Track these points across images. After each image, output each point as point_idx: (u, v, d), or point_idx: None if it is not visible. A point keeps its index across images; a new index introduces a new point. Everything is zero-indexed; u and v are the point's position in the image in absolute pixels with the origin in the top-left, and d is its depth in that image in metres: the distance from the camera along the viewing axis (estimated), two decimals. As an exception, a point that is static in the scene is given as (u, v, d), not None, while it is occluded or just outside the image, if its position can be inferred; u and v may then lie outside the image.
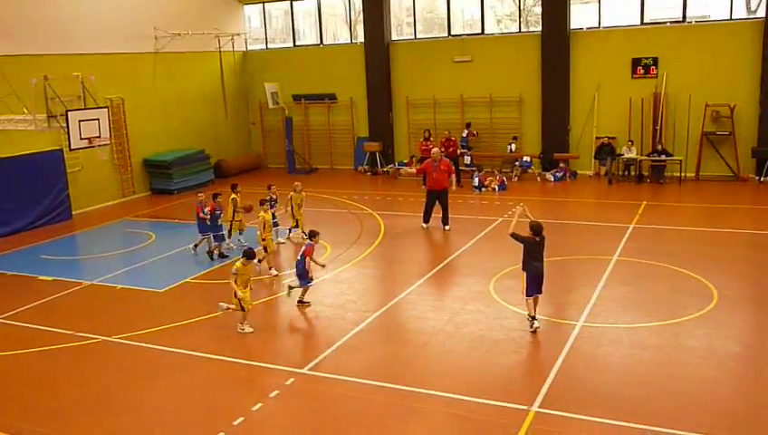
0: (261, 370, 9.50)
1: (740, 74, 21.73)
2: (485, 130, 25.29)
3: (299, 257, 11.74)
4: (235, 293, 10.67)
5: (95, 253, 16.29)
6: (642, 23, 22.91)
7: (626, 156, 22.72)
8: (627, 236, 15.47)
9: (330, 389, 8.85)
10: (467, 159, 24.27)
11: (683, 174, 22.24)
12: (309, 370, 9.40)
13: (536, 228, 10.34)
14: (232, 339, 10.61)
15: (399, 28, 27.01)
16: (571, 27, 23.64)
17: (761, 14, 21.46)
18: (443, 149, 22.93)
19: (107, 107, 17.34)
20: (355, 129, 27.70)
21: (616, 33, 23.21)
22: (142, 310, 12.13)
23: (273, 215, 14.89)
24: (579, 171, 24.08)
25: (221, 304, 11.06)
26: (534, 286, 10.41)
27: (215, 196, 15.15)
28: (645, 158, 22.55)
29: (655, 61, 22.70)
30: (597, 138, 23.58)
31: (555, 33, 23.50)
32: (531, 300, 10.46)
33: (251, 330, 10.76)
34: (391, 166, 26.01)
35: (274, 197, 15.84)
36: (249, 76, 29.00)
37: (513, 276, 12.95)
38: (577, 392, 8.39)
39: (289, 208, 16.02)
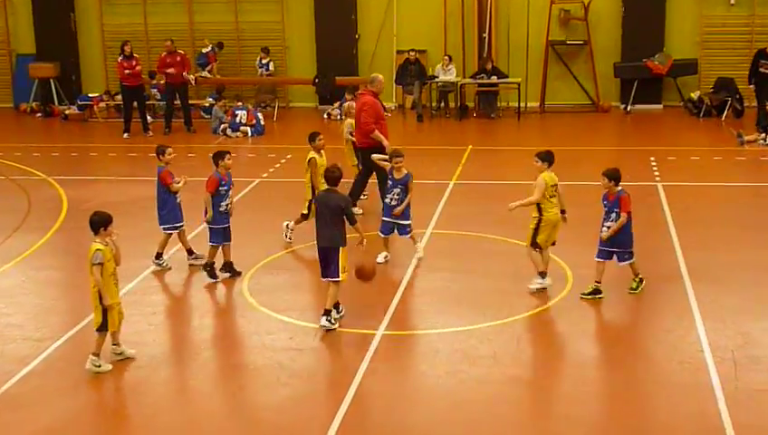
0: None
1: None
2: (230, 41, 25.19)
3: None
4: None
5: None
6: None
7: (441, 78, 23.72)
8: (445, 197, 16.20)
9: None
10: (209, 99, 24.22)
11: (523, 103, 23.70)
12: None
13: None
14: None
15: None
16: None
17: None
18: (161, 71, 22.56)
19: None
20: (13, 41, 26.33)
21: None
22: None
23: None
24: (374, 103, 24.76)
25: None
26: (321, 266, 11.04)
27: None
28: (469, 81, 23.69)
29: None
30: (398, 52, 24.34)
31: None
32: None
33: None
34: (67, 106, 24.95)
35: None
36: None
37: (276, 267, 13.11)
38: (377, 436, 8.66)
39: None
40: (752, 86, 21.12)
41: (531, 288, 11.75)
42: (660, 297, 11.76)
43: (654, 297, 11.80)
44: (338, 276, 10.86)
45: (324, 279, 10.98)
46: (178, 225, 13.09)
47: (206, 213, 12.49)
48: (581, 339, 10.60)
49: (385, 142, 14.81)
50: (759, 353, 10.07)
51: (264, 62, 24.81)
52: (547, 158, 12.00)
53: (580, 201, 15.89)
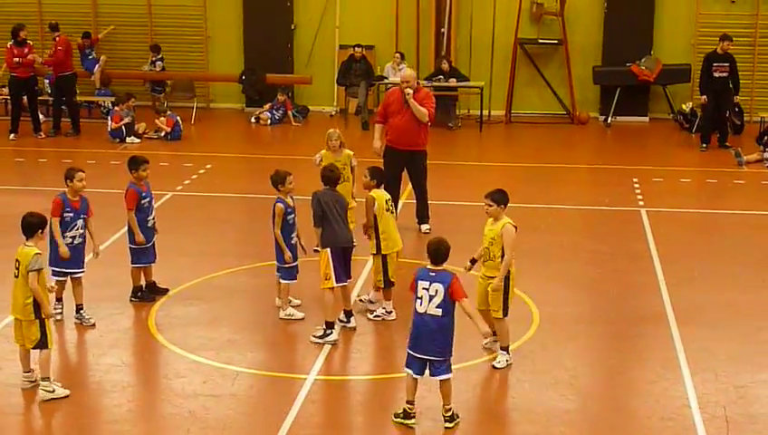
0: None
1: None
2: (141, 28, 25.34)
3: None
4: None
5: None
6: None
7: (391, 79, 23.73)
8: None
9: None
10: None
11: (486, 112, 23.91)
12: None
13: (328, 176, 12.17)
14: None
15: None
16: None
17: None
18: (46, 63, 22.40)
19: None
20: None
21: None
22: None
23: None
24: (311, 106, 24.89)
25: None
26: (343, 267, 11.83)
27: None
28: (424, 83, 23.71)
29: None
30: (341, 47, 24.43)
31: None
32: (337, 290, 11.79)
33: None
34: None
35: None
36: None
37: (189, 297, 13.17)
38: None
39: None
40: (703, 97, 21.13)
41: (497, 367, 11.00)
42: (642, 343, 11.83)
43: (634, 343, 11.86)
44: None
45: (344, 282, 11.84)
46: (64, 271, 12.19)
47: (131, 237, 12.58)
48: (548, 390, 10.60)
49: (374, 142, 15.83)
50: (756, 411, 10.15)
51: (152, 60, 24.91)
52: (504, 199, 11.02)
53: (549, 227, 16.01)
